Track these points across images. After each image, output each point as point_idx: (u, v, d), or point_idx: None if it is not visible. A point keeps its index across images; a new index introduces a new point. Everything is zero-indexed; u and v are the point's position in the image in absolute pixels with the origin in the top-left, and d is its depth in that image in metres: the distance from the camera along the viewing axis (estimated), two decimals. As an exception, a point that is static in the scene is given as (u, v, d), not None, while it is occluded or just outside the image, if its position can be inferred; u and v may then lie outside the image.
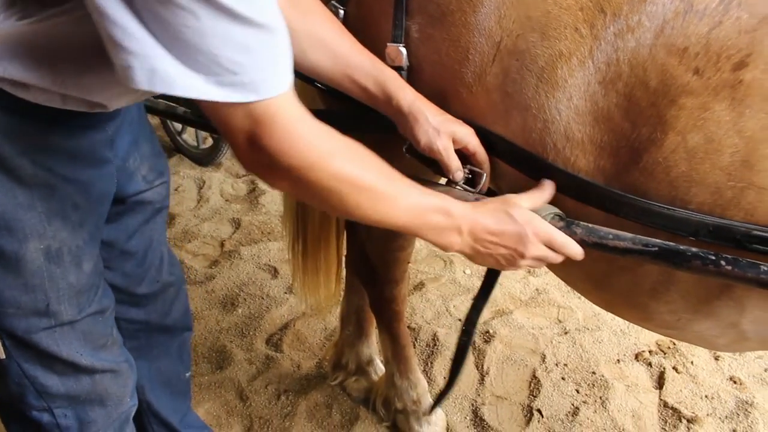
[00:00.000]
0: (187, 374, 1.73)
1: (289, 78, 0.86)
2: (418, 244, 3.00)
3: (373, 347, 2.24)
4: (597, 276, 1.18)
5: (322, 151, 0.90)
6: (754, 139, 0.93)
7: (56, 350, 1.18)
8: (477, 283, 2.74)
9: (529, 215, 1.06)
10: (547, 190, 1.10)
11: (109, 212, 1.27)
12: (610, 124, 1.04)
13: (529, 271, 2.83)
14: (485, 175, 1.20)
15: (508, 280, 2.78)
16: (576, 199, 1.08)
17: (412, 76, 1.26)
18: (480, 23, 1.16)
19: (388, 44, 1.24)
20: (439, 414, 2.12)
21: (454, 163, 1.19)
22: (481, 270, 2.80)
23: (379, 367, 2.23)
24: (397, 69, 1.24)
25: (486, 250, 1.07)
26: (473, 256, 1.09)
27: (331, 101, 1.45)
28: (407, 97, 1.17)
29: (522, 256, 1.07)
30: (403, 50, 1.23)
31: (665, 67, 0.98)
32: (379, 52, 1.23)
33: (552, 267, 1.26)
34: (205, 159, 3.63)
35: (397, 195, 0.98)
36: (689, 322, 1.12)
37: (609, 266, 1.13)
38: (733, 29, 0.94)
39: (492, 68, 1.15)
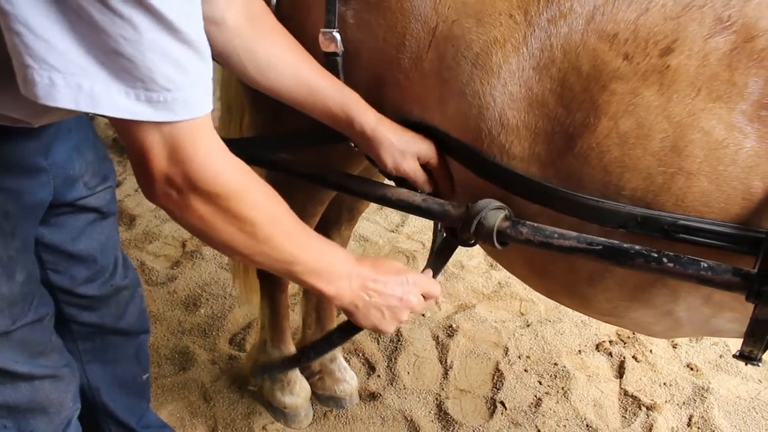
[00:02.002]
0: (145, 376, 1.71)
1: (210, 100, 0.84)
2: (380, 241, 3.01)
3: None
4: (537, 264, 1.19)
5: (243, 181, 0.89)
6: (682, 124, 0.95)
7: None
8: (439, 279, 2.76)
9: (404, 268, 1.11)
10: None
11: (49, 215, 1.24)
12: (544, 109, 1.05)
13: (492, 265, 2.85)
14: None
15: (470, 275, 2.80)
16: (507, 190, 1.10)
17: (348, 62, 1.25)
18: (416, 9, 1.16)
19: (321, 30, 1.23)
20: (303, 386, 2.15)
21: (422, 178, 1.23)
22: (445, 266, 2.83)
23: (343, 365, 2.23)
24: (332, 55, 1.24)
25: (370, 300, 1.06)
26: (358, 308, 1.07)
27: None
28: (370, 121, 1.18)
29: (407, 307, 1.08)
30: (338, 36, 1.22)
31: (596, 53, 1.00)
32: (312, 38, 1.22)
33: (494, 253, 1.27)
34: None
35: (304, 233, 0.99)
36: (626, 310, 1.13)
37: (548, 254, 1.14)
38: (660, 15, 0.96)
39: (428, 54, 1.16)
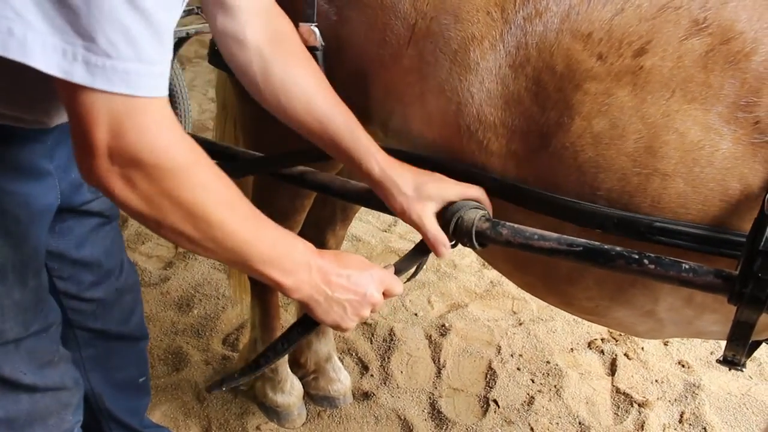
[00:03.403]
0: (142, 379, 1.71)
1: (165, 87, 0.80)
2: (373, 240, 3.01)
3: (330, 344, 2.24)
4: (517, 259, 1.19)
5: (192, 159, 0.83)
6: (656, 125, 0.95)
7: None
8: (432, 278, 2.77)
9: (368, 263, 1.04)
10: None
11: (54, 221, 1.23)
12: (520, 107, 1.05)
13: (484, 264, 2.85)
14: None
15: (463, 274, 2.81)
16: (489, 193, 1.10)
17: (332, 58, 1.25)
18: (395, 5, 1.16)
19: (300, 24, 1.22)
20: (295, 384, 2.16)
21: (431, 230, 1.10)
22: (436, 265, 2.84)
23: (337, 365, 2.23)
24: (312, 49, 1.22)
25: (333, 294, 0.99)
26: (319, 303, 1.00)
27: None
28: (377, 165, 1.11)
29: (369, 302, 1.02)
30: (316, 30, 1.22)
31: (570, 52, 1.00)
32: None
33: (479, 250, 1.26)
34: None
35: (258, 219, 0.91)
36: (607, 309, 1.13)
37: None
38: (634, 16, 0.96)
39: (408, 50, 1.16)
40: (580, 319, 2.55)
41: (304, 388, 2.21)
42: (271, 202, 1.69)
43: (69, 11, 0.71)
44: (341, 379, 2.21)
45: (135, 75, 0.75)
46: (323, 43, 1.24)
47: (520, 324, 2.54)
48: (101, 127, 0.77)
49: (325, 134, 1.12)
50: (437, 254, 1.11)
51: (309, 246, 0.98)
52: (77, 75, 0.73)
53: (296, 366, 2.24)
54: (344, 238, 2.16)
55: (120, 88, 0.75)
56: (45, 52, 0.72)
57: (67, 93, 0.76)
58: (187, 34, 2.67)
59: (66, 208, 1.26)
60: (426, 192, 1.10)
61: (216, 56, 1.38)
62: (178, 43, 2.72)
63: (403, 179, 1.11)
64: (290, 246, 0.95)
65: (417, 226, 1.12)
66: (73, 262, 1.35)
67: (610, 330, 2.50)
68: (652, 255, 0.95)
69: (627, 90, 0.96)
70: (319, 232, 2.01)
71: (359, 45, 1.23)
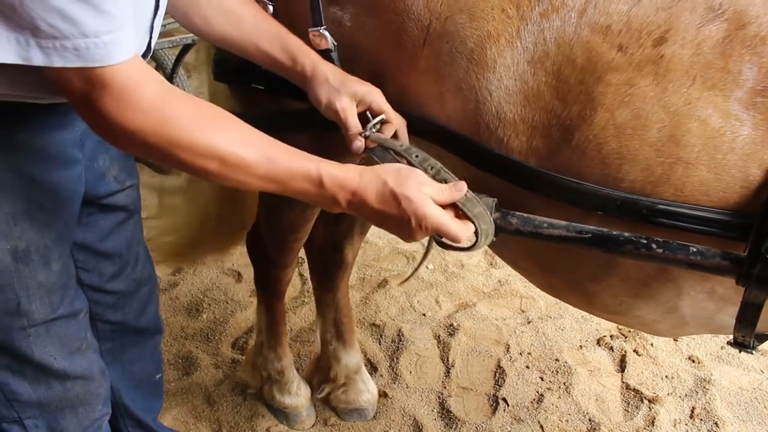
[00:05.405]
0: (158, 375, 1.73)
1: (122, 51, 0.86)
2: (380, 242, 3.02)
3: (359, 355, 2.19)
4: (541, 256, 1.20)
5: (161, 116, 0.90)
6: (678, 113, 0.96)
7: (29, 353, 1.18)
8: (440, 278, 2.78)
9: (418, 200, 0.98)
10: (458, 191, 1.04)
11: (81, 214, 1.26)
12: (540, 102, 1.06)
13: (491, 263, 2.86)
14: (395, 127, 1.20)
15: (470, 273, 2.81)
16: (487, 172, 1.12)
17: (348, 63, 1.26)
18: (409, 8, 1.17)
19: (309, 30, 1.24)
20: (302, 386, 2.16)
21: (351, 122, 1.18)
22: (444, 265, 2.85)
23: (366, 375, 2.18)
24: (326, 52, 1.25)
25: (378, 219, 1.02)
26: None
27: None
28: (310, 61, 1.20)
29: (412, 238, 1.03)
30: (326, 33, 1.24)
31: (590, 45, 1.00)
32: (308, 42, 1.24)
33: (498, 248, 1.27)
34: (165, 166, 3.58)
35: (251, 161, 0.95)
36: (631, 307, 1.14)
37: (549, 250, 1.15)
38: (651, 6, 0.97)
39: (423, 52, 1.17)
40: (588, 317, 2.56)
41: (331, 403, 2.17)
42: (280, 216, 1.73)
43: (7, 7, 0.79)
44: (370, 389, 2.17)
45: (84, 50, 0.83)
46: (335, 43, 1.26)
47: (529, 322, 2.55)
48: (75, 98, 0.89)
49: (259, 46, 1.21)
50: (353, 148, 1.18)
51: (332, 180, 0.99)
52: (36, 59, 0.82)
53: (326, 381, 2.18)
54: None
55: (75, 62, 0.83)
56: (2, 44, 0.81)
57: (46, 73, 0.86)
58: (193, 41, 2.67)
59: (92, 200, 1.29)
60: (348, 89, 1.18)
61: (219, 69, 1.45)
62: (184, 50, 2.72)
63: (332, 74, 1.19)
64: (303, 182, 0.99)
65: (339, 118, 1.19)
66: (97, 253, 1.38)
67: (619, 326, 2.50)
68: (660, 239, 0.97)
69: (649, 79, 0.97)
70: (336, 248, 2.01)
71: (375, 50, 1.24)
